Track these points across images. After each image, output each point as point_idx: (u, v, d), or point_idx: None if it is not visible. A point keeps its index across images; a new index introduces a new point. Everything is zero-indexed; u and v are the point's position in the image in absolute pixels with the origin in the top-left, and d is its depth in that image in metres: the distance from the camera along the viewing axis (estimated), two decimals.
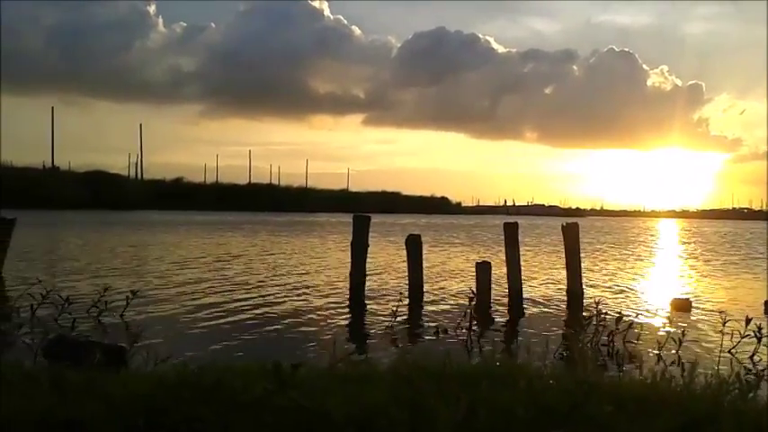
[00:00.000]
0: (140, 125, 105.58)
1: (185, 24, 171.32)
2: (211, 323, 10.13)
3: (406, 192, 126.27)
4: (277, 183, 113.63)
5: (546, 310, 12.25)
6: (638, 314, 11.78)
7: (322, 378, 3.00)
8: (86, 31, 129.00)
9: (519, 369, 3.37)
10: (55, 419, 2.57)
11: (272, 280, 15.84)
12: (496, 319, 11.28)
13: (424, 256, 14.55)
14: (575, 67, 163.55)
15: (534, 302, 12.94)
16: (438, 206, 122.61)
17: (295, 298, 12.98)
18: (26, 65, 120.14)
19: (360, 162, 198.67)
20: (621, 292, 15.37)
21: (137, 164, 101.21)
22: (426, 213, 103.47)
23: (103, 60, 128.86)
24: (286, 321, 10.46)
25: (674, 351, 8.23)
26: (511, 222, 13.95)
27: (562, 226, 14.05)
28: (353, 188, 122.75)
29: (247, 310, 11.43)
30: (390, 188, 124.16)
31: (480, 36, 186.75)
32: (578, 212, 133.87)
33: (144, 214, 64.75)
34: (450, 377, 3.05)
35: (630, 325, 8.94)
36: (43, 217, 44.97)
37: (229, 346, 8.47)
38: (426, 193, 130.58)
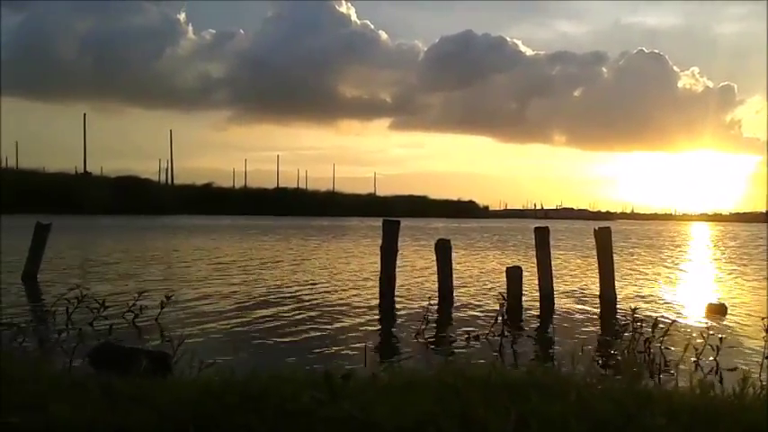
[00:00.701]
0: (170, 131, 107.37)
1: (214, 31, 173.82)
2: (247, 328, 10.21)
3: (433, 195, 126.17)
4: (305, 187, 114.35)
5: (579, 315, 12.10)
6: (673, 320, 11.55)
7: (366, 387, 2.96)
8: (118, 40, 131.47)
9: (566, 379, 3.30)
10: (106, 427, 2.59)
11: (304, 284, 15.90)
12: (528, 325, 11.17)
13: (453, 261, 14.47)
14: (604, 70, 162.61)
15: (566, 308, 12.79)
16: (466, 210, 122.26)
17: (327, 303, 13.00)
18: (60, 73, 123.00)
19: (387, 166, 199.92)
20: (655, 296, 15.12)
21: (167, 169, 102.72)
22: (454, 217, 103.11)
23: (135, 68, 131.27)
24: (318, 326, 10.48)
25: (711, 358, 8.06)
26: (542, 227, 13.82)
27: (594, 230, 13.86)
28: (380, 192, 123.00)
29: (281, 314, 11.48)
30: (418, 192, 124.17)
31: (508, 39, 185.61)
32: (608, 216, 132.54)
33: (174, 219, 65.55)
34: (496, 387, 2.99)
35: (666, 331, 8.76)
36: (76, 222, 45.71)
37: (265, 351, 8.52)
38: (454, 196, 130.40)
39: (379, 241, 14.26)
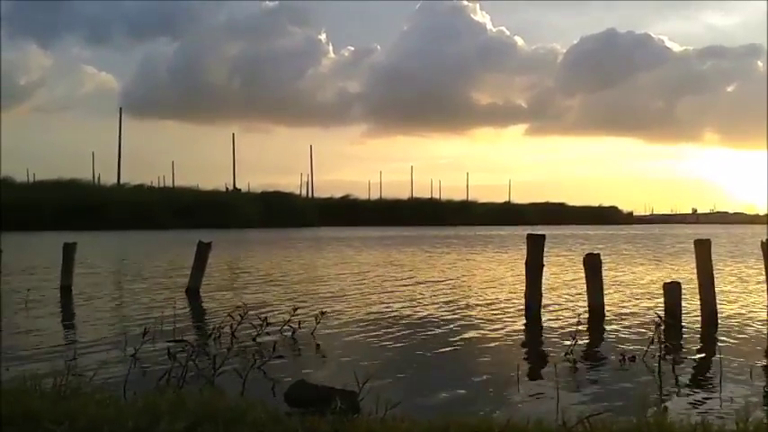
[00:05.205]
0: (311, 146, 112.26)
1: (353, 48, 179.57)
2: (397, 346, 10.36)
3: (571, 202, 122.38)
4: (438, 196, 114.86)
5: (745, 337, 11.20)
6: None
7: None
8: (265, 62, 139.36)
9: None
10: None
11: (450, 300, 15.90)
12: (689, 347, 10.49)
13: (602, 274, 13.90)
14: (759, 63, 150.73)
15: (731, 328, 11.87)
16: (607, 216, 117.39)
17: (472, 321, 12.93)
18: (211, 96, 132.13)
19: (522, 173, 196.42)
20: None
21: (308, 183, 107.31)
22: (594, 224, 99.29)
23: (280, 88, 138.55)
24: (466, 346, 10.45)
25: None
26: (703, 239, 12.92)
27: (762, 242, 12.76)
28: (516, 200, 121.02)
29: (427, 332, 11.56)
30: (554, 199, 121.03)
31: (653, 35, 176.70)
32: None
33: (316, 231, 68.12)
34: None
35: None
36: (228, 235, 48.64)
37: (424, 379, 8.36)
38: (594, 202, 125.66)
39: (516, 250, 14.01)
